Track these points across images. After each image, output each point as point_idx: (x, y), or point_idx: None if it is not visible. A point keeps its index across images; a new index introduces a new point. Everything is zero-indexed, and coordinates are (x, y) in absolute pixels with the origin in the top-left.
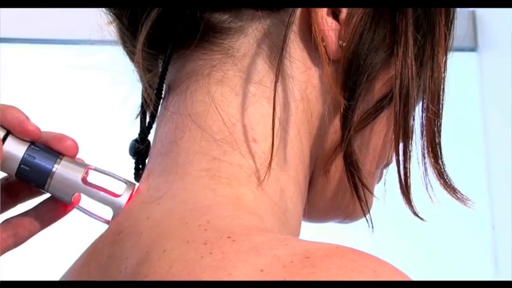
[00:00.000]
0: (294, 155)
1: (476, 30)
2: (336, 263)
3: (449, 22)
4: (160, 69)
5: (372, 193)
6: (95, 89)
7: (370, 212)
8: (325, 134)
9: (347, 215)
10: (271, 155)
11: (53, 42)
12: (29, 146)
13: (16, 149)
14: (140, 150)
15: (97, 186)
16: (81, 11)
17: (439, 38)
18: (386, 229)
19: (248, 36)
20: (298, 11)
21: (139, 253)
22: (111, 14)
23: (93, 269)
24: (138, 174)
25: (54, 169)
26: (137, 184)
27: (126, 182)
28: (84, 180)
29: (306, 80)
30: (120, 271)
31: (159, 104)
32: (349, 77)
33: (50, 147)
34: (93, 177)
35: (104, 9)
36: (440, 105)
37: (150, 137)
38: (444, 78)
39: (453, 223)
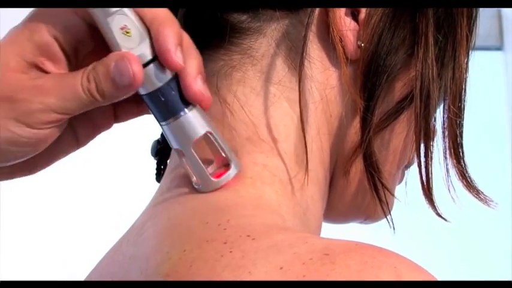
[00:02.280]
0: (314, 155)
1: (502, 29)
2: (356, 259)
3: (471, 23)
4: None
5: (392, 194)
6: None
7: (391, 212)
8: (345, 134)
9: (367, 215)
10: (306, 155)
11: None
12: (168, 81)
13: (155, 76)
14: (162, 150)
15: (204, 158)
16: None
17: (460, 39)
18: (407, 228)
19: (267, 36)
20: (317, 11)
21: (159, 253)
22: None
23: (116, 269)
24: (159, 174)
25: (181, 114)
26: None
27: (232, 165)
28: (195, 143)
29: (324, 80)
30: (141, 271)
31: None
32: (368, 78)
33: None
34: (205, 142)
35: None
36: (462, 106)
37: None
38: (466, 79)
39: (474, 222)
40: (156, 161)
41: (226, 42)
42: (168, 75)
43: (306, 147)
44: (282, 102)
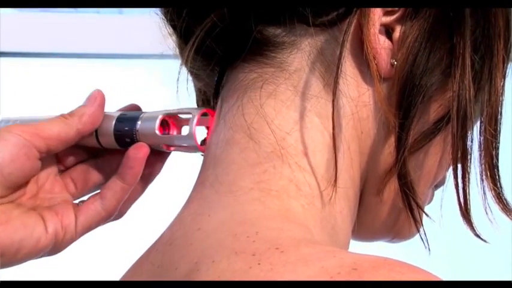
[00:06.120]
0: (344, 171)
1: None
2: (384, 274)
3: (508, 45)
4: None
5: (426, 214)
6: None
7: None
8: (378, 154)
9: (396, 234)
10: (336, 172)
11: (110, 57)
12: (117, 118)
13: (107, 124)
14: None
15: (171, 133)
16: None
17: (497, 61)
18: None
19: (301, 51)
20: (352, 28)
21: (188, 264)
22: (170, 26)
23: (144, 279)
24: None
25: (136, 127)
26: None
27: (191, 111)
28: (160, 130)
29: (356, 97)
30: (170, 280)
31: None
32: (404, 97)
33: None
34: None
35: (162, 22)
36: (498, 129)
37: None
38: (502, 102)
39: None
40: None
41: (260, 55)
42: (113, 118)
43: (336, 162)
44: (313, 117)
